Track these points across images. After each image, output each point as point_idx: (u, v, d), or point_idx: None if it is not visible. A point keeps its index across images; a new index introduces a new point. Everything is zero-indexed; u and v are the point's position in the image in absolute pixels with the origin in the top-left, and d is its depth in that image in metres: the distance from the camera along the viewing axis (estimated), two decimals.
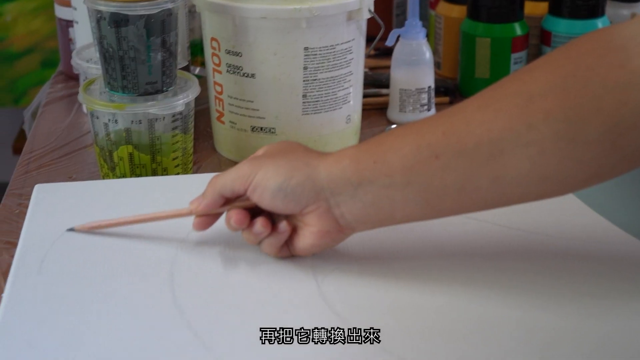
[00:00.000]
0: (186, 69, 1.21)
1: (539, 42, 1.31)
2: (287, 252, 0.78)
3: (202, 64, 1.35)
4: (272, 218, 0.77)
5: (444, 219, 0.74)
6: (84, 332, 0.69)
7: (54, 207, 0.88)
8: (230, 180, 0.76)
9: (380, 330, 0.68)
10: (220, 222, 0.80)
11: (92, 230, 0.83)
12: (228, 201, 0.78)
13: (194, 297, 0.73)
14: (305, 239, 0.75)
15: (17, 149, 2.46)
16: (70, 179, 1.07)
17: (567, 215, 0.86)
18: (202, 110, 1.17)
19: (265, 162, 0.75)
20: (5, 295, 0.74)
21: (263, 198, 0.74)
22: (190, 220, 0.79)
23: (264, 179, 0.74)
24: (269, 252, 0.78)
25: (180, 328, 0.69)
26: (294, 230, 0.76)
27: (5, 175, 2.69)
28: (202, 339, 0.68)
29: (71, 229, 0.83)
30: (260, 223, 0.76)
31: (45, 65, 2.57)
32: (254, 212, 0.77)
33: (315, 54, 1.02)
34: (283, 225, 0.76)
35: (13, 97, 2.58)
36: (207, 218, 0.79)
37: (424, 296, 0.73)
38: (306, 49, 1.01)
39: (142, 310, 0.72)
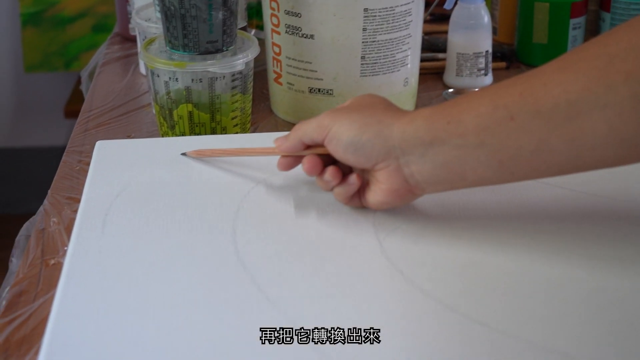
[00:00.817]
0: (244, 30, 1.21)
1: (598, 7, 1.30)
2: (358, 202, 0.79)
3: (257, 27, 1.36)
4: (347, 169, 0.79)
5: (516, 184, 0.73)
6: (148, 286, 0.70)
7: (115, 163, 0.89)
8: (311, 129, 0.77)
9: (441, 291, 0.68)
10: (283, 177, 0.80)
11: (199, 156, 0.89)
12: (308, 147, 0.79)
13: (257, 251, 0.74)
14: (376, 194, 0.76)
15: (69, 113, 2.48)
16: (129, 137, 1.08)
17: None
18: (258, 72, 1.17)
19: (343, 115, 0.76)
20: (69, 249, 0.75)
21: (337, 150, 0.76)
22: (252, 176, 0.80)
23: (338, 132, 0.75)
24: (339, 199, 0.79)
25: (245, 282, 0.70)
26: (365, 184, 0.77)
27: (57, 139, 2.72)
28: (266, 293, 0.68)
29: (184, 154, 0.90)
30: (329, 172, 0.78)
31: (96, 30, 2.59)
32: (333, 161, 0.79)
33: (375, 15, 1.02)
34: (352, 178, 0.77)
35: (64, 61, 2.59)
36: (290, 159, 0.81)
37: (487, 256, 0.73)
38: (366, 10, 1.01)
39: (206, 264, 0.72)
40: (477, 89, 0.83)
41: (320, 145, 0.78)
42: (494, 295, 0.68)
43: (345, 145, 0.74)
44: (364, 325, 0.65)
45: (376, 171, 0.75)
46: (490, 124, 0.69)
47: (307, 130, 0.78)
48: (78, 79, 2.64)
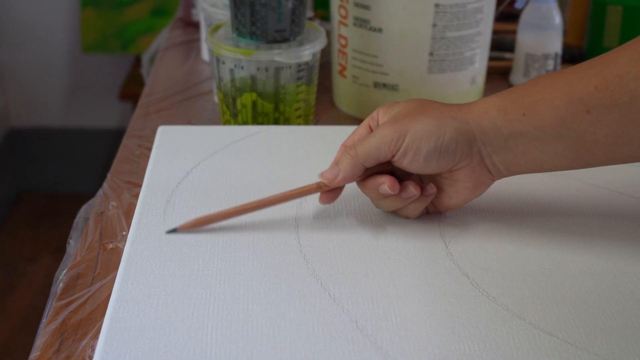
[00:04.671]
0: (310, 21, 1.20)
1: None
2: (425, 211, 0.77)
3: (322, 18, 1.34)
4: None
5: (582, 185, 0.72)
6: (209, 276, 0.69)
7: (177, 149, 0.88)
8: (375, 149, 0.72)
9: (508, 297, 0.67)
10: None
11: (200, 226, 0.75)
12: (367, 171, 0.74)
13: (319, 247, 0.72)
14: (458, 195, 0.74)
15: (124, 95, 2.48)
16: (189, 124, 1.07)
17: None
18: (320, 64, 1.15)
19: (410, 123, 0.71)
20: (130, 234, 0.74)
21: (415, 161, 0.71)
22: (316, 170, 0.78)
23: (415, 141, 0.71)
24: (412, 214, 0.76)
25: (307, 278, 0.68)
26: (439, 190, 0.75)
27: (110, 121, 2.73)
28: (328, 290, 0.67)
29: (172, 230, 0.74)
30: (412, 186, 0.73)
31: (154, 14, 2.58)
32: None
33: (446, 12, 1.00)
34: (431, 188, 0.74)
35: (121, 44, 2.60)
36: (336, 190, 0.76)
37: (557, 264, 0.71)
38: (437, 5, 0.99)
39: (268, 257, 0.71)
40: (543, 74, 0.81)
41: (384, 163, 0.73)
42: (563, 305, 0.66)
43: (428, 152, 0.71)
44: (427, 327, 0.63)
45: (455, 171, 0.72)
46: (566, 117, 0.68)
47: (369, 152, 0.72)
48: (134, 62, 2.64)
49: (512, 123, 0.70)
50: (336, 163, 0.74)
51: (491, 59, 1.22)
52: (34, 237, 2.58)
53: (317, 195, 0.77)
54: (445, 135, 0.70)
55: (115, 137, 2.58)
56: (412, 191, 0.73)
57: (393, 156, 0.72)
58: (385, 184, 0.72)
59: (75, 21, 2.63)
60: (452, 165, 0.72)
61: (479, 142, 0.71)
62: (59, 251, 0.77)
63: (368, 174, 0.74)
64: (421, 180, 0.76)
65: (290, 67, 0.94)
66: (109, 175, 0.92)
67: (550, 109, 0.68)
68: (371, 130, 0.75)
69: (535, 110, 0.69)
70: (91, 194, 0.90)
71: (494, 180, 0.73)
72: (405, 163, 0.72)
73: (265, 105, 0.96)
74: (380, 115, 0.75)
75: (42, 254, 2.50)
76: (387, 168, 0.74)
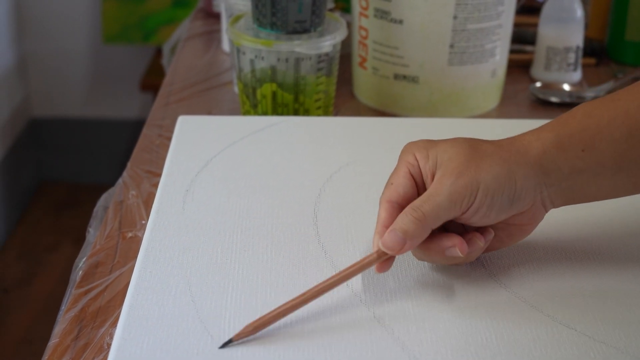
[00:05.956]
0: (331, 12, 1.20)
1: None
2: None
3: (343, 9, 1.34)
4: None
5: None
6: (227, 265, 0.69)
7: (197, 139, 0.89)
8: (445, 209, 0.64)
9: (527, 290, 0.67)
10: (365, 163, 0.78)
11: (256, 331, 0.62)
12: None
13: (338, 237, 0.73)
14: (512, 238, 0.69)
15: (145, 86, 2.48)
16: (209, 114, 1.07)
17: None
18: (340, 56, 1.15)
19: (478, 174, 0.64)
20: (149, 224, 0.75)
21: (487, 216, 0.65)
22: (335, 160, 0.78)
23: (487, 196, 0.64)
24: (464, 262, 0.69)
25: (325, 267, 0.69)
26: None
27: (131, 111, 2.74)
28: (347, 281, 0.67)
29: (227, 342, 0.61)
30: (478, 239, 0.66)
31: (176, 5, 2.59)
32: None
33: (467, 3, 0.99)
34: (489, 233, 0.67)
35: (142, 34, 2.60)
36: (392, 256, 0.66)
37: (575, 257, 0.71)
38: None
39: (286, 247, 0.71)
40: (593, 99, 0.75)
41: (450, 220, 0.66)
42: (581, 297, 0.66)
43: (502, 206, 0.64)
44: (444, 318, 0.63)
45: (518, 215, 0.67)
46: (626, 151, 0.65)
47: (439, 214, 0.64)
48: (155, 53, 2.65)
49: (572, 161, 0.66)
50: (398, 228, 0.64)
51: (512, 51, 1.22)
52: (54, 226, 2.59)
53: (336, 191, 0.77)
54: (517, 184, 0.65)
55: (136, 127, 2.58)
56: (479, 244, 0.66)
57: (463, 213, 0.65)
58: (456, 247, 0.65)
59: (97, 12, 2.64)
60: (518, 212, 0.66)
61: (543, 184, 0.66)
62: (80, 240, 0.78)
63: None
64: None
65: (310, 58, 0.95)
66: (129, 164, 0.92)
67: (610, 143, 0.65)
68: (413, 179, 0.67)
69: (593, 145, 0.66)
70: (112, 184, 0.90)
71: (546, 213, 0.69)
72: (475, 219, 0.65)
73: (285, 96, 0.96)
74: (421, 160, 0.67)
75: (62, 244, 2.51)
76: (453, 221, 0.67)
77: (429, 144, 0.67)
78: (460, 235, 0.66)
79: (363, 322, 0.63)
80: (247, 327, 0.61)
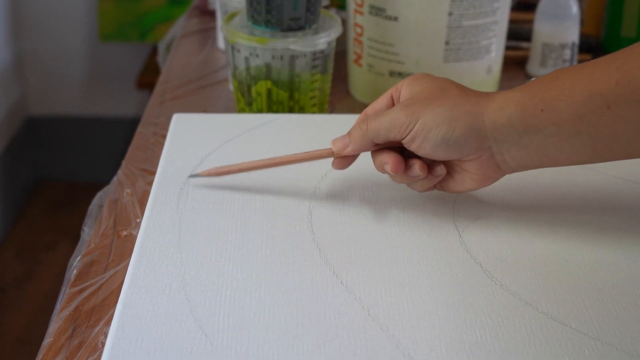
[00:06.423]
0: (326, 9, 1.19)
1: None
2: (433, 188, 0.77)
3: (338, 6, 1.34)
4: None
5: (597, 175, 0.71)
6: (222, 264, 0.69)
7: (192, 137, 0.88)
8: (385, 128, 0.72)
9: (521, 286, 0.67)
10: (360, 162, 0.78)
11: (219, 174, 0.80)
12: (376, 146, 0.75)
13: (332, 235, 0.72)
14: (464, 183, 0.74)
15: (142, 84, 2.48)
16: (204, 111, 1.07)
17: None
18: (335, 53, 1.15)
19: (423, 110, 0.71)
20: (143, 222, 0.74)
21: (422, 147, 0.71)
22: (330, 158, 0.78)
23: (424, 130, 0.70)
24: (419, 189, 0.76)
25: (320, 266, 0.68)
26: (448, 173, 0.74)
27: (128, 109, 2.74)
28: (340, 278, 0.67)
29: (193, 175, 0.80)
30: (418, 167, 0.73)
31: (172, 2, 2.58)
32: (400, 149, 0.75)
33: (462, 0, 0.99)
34: (440, 170, 0.74)
35: (139, 32, 2.60)
36: (349, 157, 0.77)
37: (570, 252, 0.71)
38: None
39: (281, 245, 0.71)
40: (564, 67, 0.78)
41: (394, 142, 0.74)
42: (576, 294, 0.66)
43: (435, 143, 0.70)
44: (439, 315, 0.63)
45: (464, 162, 0.72)
46: (586, 113, 0.66)
47: (379, 130, 0.73)
48: (152, 51, 2.65)
49: (529, 119, 0.68)
50: (349, 133, 0.75)
51: (508, 48, 1.22)
52: (52, 225, 2.59)
53: (330, 190, 0.77)
54: (455, 130, 0.70)
55: (132, 125, 2.57)
56: (417, 171, 0.73)
57: (402, 139, 0.72)
58: (389, 164, 0.73)
59: (93, 10, 2.64)
60: (459, 157, 0.71)
61: (492, 139, 0.70)
62: (77, 239, 0.78)
63: (380, 147, 0.75)
64: (433, 160, 0.75)
65: (305, 55, 0.94)
66: (123, 162, 0.92)
67: (569, 104, 0.67)
68: (392, 102, 0.76)
69: (553, 105, 0.67)
70: (109, 183, 0.90)
71: (502, 175, 0.73)
72: (413, 147, 0.72)
73: (280, 94, 0.96)
74: (404, 89, 0.75)
75: (60, 242, 2.51)
76: (400, 144, 0.74)
77: (420, 77, 0.75)
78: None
79: (357, 320, 0.63)
80: (215, 168, 0.78)
